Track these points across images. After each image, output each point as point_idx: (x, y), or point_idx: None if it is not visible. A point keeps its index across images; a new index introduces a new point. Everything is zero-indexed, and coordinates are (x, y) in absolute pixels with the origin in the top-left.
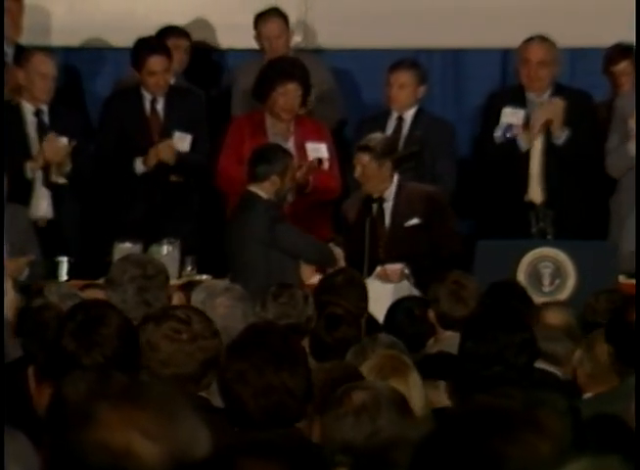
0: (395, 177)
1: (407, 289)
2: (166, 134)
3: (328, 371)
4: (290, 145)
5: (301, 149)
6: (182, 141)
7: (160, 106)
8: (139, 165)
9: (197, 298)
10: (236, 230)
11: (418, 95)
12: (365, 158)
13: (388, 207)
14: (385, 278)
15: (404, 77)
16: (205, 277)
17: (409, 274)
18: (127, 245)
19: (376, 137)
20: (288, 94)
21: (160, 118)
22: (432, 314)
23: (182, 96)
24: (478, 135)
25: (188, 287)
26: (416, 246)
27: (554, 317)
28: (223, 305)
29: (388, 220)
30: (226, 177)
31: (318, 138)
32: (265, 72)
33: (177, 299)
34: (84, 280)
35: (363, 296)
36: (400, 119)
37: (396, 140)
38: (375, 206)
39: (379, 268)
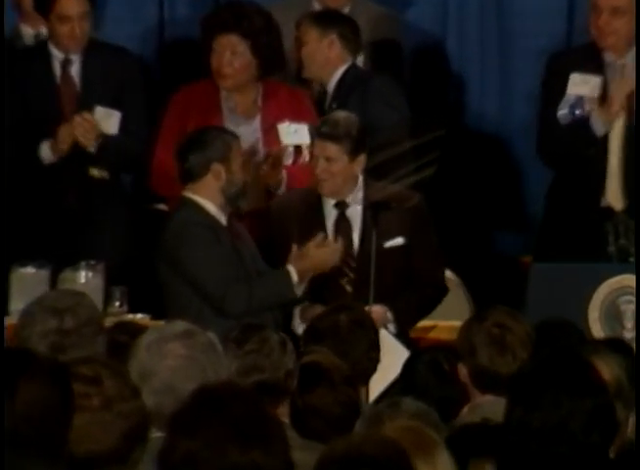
0: (360, 176)
1: (387, 342)
2: (85, 109)
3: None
4: (255, 126)
5: (272, 132)
6: (107, 119)
7: (75, 69)
8: (46, 152)
9: (144, 342)
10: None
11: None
12: (332, 149)
13: (354, 217)
14: None
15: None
16: (139, 316)
17: (392, 320)
18: (29, 270)
19: (344, 120)
20: (220, 51)
21: (76, 86)
22: (464, 371)
23: (109, 56)
24: (532, 114)
25: (116, 331)
26: (400, 277)
27: (605, 370)
28: (174, 355)
29: (356, 237)
30: (163, 176)
31: (297, 115)
32: (203, 25)
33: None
34: None
35: (374, 343)
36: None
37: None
38: (334, 213)
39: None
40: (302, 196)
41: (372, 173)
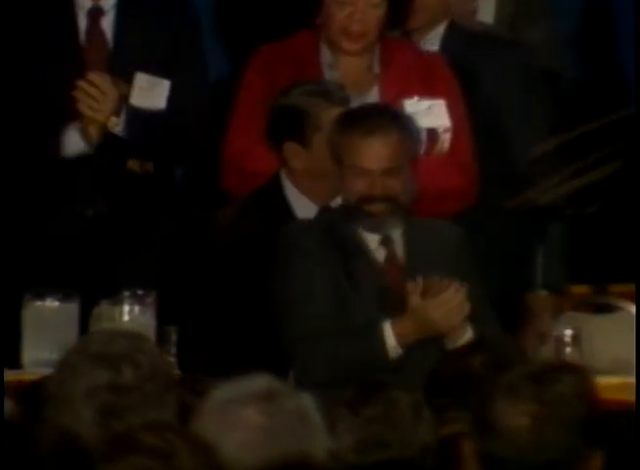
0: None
1: None
2: (120, 76)
3: None
4: (372, 101)
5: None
6: (151, 90)
7: (107, 21)
8: (73, 139)
9: (209, 404)
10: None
11: None
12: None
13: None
14: None
15: None
16: None
17: None
18: (50, 303)
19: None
20: (352, 4)
21: (108, 44)
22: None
23: (154, 4)
24: None
25: (179, 387)
26: None
27: None
28: (246, 424)
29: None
30: (240, 168)
31: (430, 87)
32: None
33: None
34: None
35: None
36: None
37: None
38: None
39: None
40: (254, 206)
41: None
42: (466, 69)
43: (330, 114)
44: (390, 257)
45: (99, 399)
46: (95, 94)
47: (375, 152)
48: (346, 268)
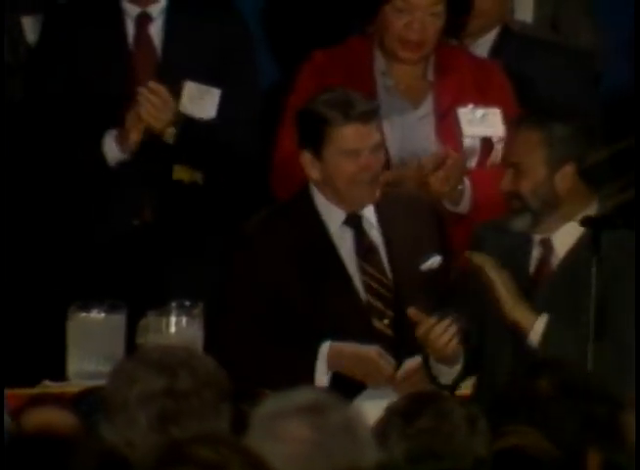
0: None
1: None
2: (169, 84)
3: None
4: (424, 111)
5: (449, 119)
6: (201, 99)
7: (155, 28)
8: (110, 146)
9: (257, 416)
10: None
11: None
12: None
13: (372, 231)
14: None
15: None
16: None
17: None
18: (95, 314)
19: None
20: (412, 12)
21: (156, 52)
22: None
23: (204, 11)
24: None
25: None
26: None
27: None
28: (293, 437)
29: (384, 260)
30: (290, 174)
31: (485, 95)
32: None
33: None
34: (13, 388)
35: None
36: None
37: None
38: (349, 234)
39: (410, 363)
40: (283, 214)
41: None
42: (517, 74)
43: (343, 130)
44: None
45: (155, 404)
46: (156, 102)
47: None
48: None
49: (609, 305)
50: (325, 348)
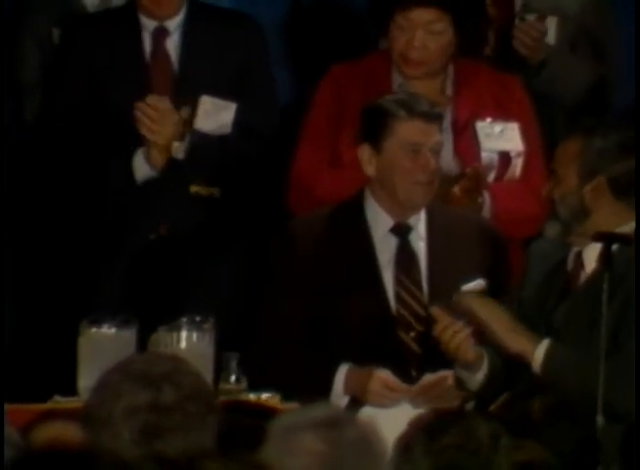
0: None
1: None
2: (186, 99)
3: None
4: (444, 124)
5: (467, 133)
6: (217, 113)
7: (172, 42)
8: (140, 163)
9: (272, 430)
10: None
11: None
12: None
13: (417, 247)
14: (420, 399)
15: None
16: (265, 396)
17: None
18: (107, 330)
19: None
20: (413, 29)
21: (173, 66)
22: None
23: (221, 24)
24: None
25: (233, 412)
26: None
27: None
28: (307, 450)
29: (424, 276)
30: (308, 190)
31: (504, 109)
32: None
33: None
34: (23, 404)
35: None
36: None
37: None
38: (393, 243)
39: (429, 378)
40: (333, 215)
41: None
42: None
43: (407, 124)
44: None
45: (139, 418)
46: (154, 116)
47: None
48: None
49: (624, 324)
50: (342, 373)
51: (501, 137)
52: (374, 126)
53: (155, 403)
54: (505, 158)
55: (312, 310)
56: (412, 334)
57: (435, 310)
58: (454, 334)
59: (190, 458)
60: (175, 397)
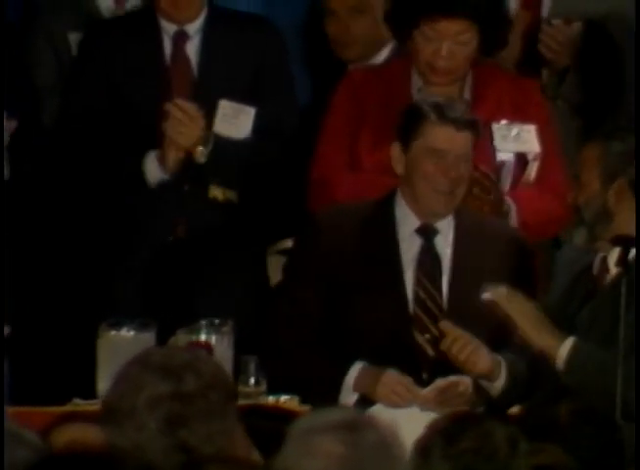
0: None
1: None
2: (205, 103)
3: None
4: None
5: (484, 136)
6: (236, 118)
7: (192, 46)
8: (152, 167)
9: (292, 433)
10: None
11: None
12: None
13: (442, 250)
14: (434, 401)
15: None
16: (284, 399)
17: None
18: (126, 332)
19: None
20: (440, 40)
21: (192, 70)
22: None
23: (240, 28)
24: None
25: (252, 415)
26: (498, 339)
27: None
28: (326, 453)
29: (445, 279)
30: (325, 192)
31: (521, 112)
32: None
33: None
34: (43, 406)
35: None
36: None
37: None
38: (417, 243)
39: (440, 382)
40: (363, 211)
41: None
42: None
43: (435, 128)
44: None
45: (163, 408)
46: (182, 119)
47: None
48: None
49: None
50: (354, 370)
51: (517, 139)
52: (406, 125)
53: (177, 392)
54: (522, 160)
55: (328, 306)
56: (427, 336)
57: (444, 324)
58: (462, 347)
59: (193, 462)
60: (196, 385)
